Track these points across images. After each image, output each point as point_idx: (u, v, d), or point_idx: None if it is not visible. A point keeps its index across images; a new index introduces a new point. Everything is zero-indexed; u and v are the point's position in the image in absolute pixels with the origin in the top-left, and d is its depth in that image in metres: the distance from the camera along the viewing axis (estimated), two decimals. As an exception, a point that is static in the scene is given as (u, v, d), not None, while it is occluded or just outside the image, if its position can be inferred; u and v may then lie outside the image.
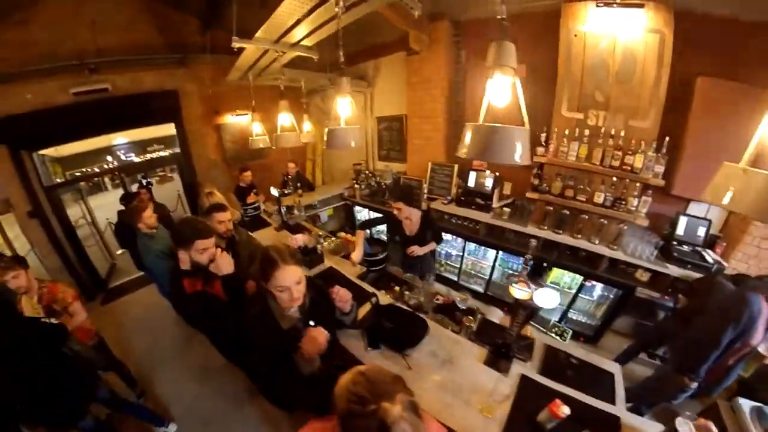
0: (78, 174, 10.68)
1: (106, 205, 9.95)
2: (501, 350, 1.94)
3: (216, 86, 5.51)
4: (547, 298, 1.90)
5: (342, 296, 1.77)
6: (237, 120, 6.08)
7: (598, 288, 3.40)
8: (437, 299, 2.75)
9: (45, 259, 4.99)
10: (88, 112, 4.62)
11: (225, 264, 2.02)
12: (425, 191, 4.67)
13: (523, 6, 3.36)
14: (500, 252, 3.95)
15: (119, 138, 13.83)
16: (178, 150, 5.98)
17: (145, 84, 4.98)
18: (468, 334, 2.37)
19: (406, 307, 2.47)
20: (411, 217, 2.99)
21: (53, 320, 2.03)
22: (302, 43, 2.86)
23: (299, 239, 3.25)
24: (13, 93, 4.17)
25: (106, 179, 15.97)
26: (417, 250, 3.02)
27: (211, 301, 2.02)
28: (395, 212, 2.98)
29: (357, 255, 2.99)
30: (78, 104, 4.54)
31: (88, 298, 5.37)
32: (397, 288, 2.84)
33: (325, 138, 2.23)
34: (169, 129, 5.77)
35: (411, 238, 3.09)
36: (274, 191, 4.26)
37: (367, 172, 5.37)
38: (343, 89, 2.12)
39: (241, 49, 3.02)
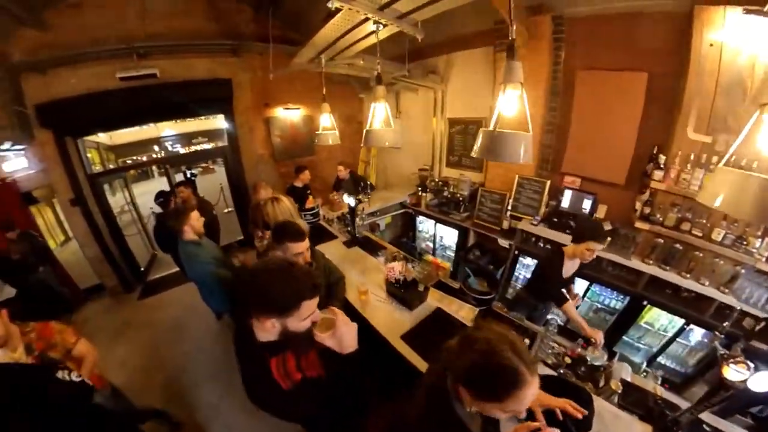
0: (122, 164, 10.88)
1: (151, 193, 10.13)
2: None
3: (269, 77, 5.11)
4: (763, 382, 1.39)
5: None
6: (287, 114, 5.68)
7: (698, 333, 2.99)
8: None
9: (85, 248, 4.86)
10: (135, 98, 4.36)
11: (350, 338, 1.21)
12: (509, 208, 4.05)
13: (642, 4, 2.82)
14: (593, 284, 3.44)
15: (167, 130, 14.27)
16: (223, 143, 5.68)
17: (195, 71, 4.66)
18: (614, 400, 1.80)
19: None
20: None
21: (71, 376, 1.43)
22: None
23: (396, 269, 2.60)
24: (60, 78, 3.98)
25: (153, 167, 16.33)
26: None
27: (318, 388, 1.22)
28: (586, 254, 2.28)
29: (587, 329, 2.30)
30: (125, 90, 4.27)
31: (125, 290, 5.21)
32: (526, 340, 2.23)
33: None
34: (214, 123, 5.46)
35: (565, 280, 2.54)
36: (348, 199, 3.62)
37: (437, 180, 4.75)
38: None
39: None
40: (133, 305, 4.94)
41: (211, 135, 13.82)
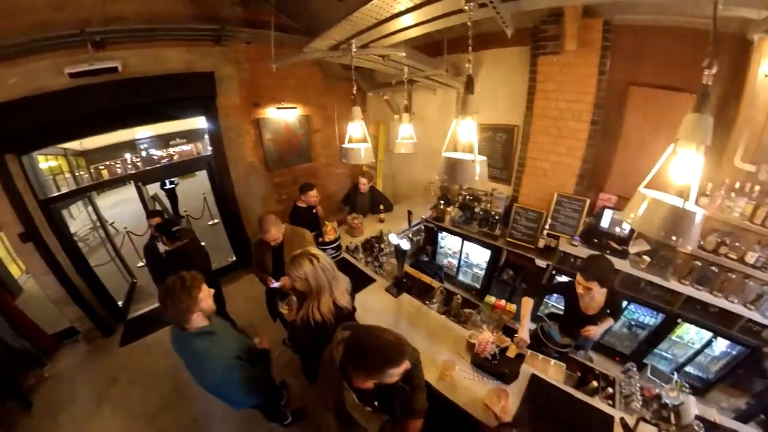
0: (95, 170, 9.82)
1: (126, 202, 9.11)
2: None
3: (258, 71, 4.39)
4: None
5: None
6: (280, 114, 4.88)
7: (722, 344, 3.16)
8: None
9: (47, 289, 3.92)
10: (90, 100, 3.41)
11: None
12: (546, 226, 3.66)
13: (698, 21, 2.59)
14: (630, 303, 3.42)
15: (142, 131, 13.17)
16: (206, 152, 4.88)
17: (168, 63, 3.75)
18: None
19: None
20: (596, 296, 2.21)
21: None
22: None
23: (488, 343, 2.08)
24: None
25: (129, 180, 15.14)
26: (594, 331, 2.30)
27: None
28: (579, 289, 2.16)
29: (524, 333, 2.22)
30: (77, 89, 3.30)
31: (104, 333, 4.28)
32: (594, 382, 2.07)
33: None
34: (194, 122, 4.62)
35: (587, 316, 2.35)
36: (399, 240, 2.72)
37: (464, 193, 4.13)
38: (356, 117, 2.41)
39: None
40: (115, 354, 4.02)
41: (191, 136, 12.77)
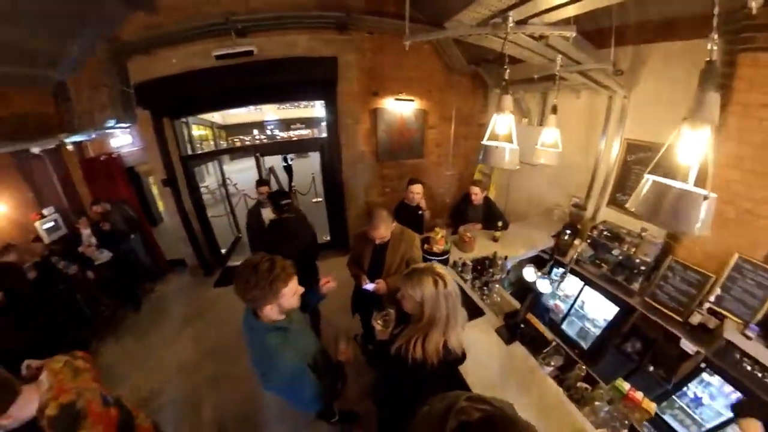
0: (231, 142, 11.62)
1: (249, 170, 10.56)
2: None
3: (379, 60, 4.43)
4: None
5: None
6: (397, 106, 4.76)
7: None
8: None
9: (173, 226, 4.88)
10: (230, 78, 3.95)
11: None
12: (711, 297, 2.55)
13: None
14: None
15: (270, 114, 14.87)
16: (322, 134, 5.05)
17: (295, 49, 4.03)
18: None
19: None
20: None
21: None
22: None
23: None
24: (162, 58, 3.83)
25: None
26: None
27: None
28: None
29: None
30: (220, 69, 3.86)
31: (205, 272, 5.13)
32: None
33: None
34: (313, 111, 4.86)
35: None
36: (533, 275, 2.17)
37: (600, 227, 3.27)
38: (506, 108, 1.87)
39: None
40: (208, 292, 4.75)
41: (309, 123, 13.99)
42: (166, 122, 4.37)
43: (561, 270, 3.33)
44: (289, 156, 9.24)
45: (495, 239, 3.49)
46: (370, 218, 2.30)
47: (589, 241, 3.30)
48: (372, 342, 3.06)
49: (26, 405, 1.22)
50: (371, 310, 1.79)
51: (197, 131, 7.10)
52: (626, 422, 1.69)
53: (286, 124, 15.08)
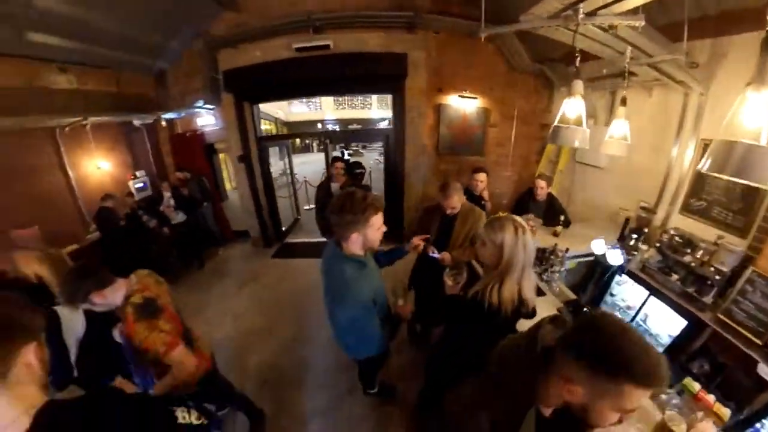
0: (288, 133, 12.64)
1: (309, 164, 11.44)
2: None
3: (444, 58, 4.66)
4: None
5: None
6: (460, 103, 4.87)
7: None
8: None
9: (242, 200, 5.47)
10: (307, 68, 4.44)
11: None
12: None
13: None
14: None
15: (329, 113, 15.72)
16: (387, 133, 5.25)
17: (367, 45, 4.42)
18: None
19: None
20: None
21: (191, 417, 1.03)
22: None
23: None
24: (247, 50, 4.53)
25: (314, 143, 18.13)
26: None
27: None
28: None
29: None
30: (299, 59, 4.40)
31: (265, 244, 5.66)
32: None
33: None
34: (369, 113, 5.22)
35: None
36: (602, 247, 2.23)
37: (671, 233, 3.01)
38: (576, 92, 1.91)
39: None
40: (266, 261, 5.22)
41: (365, 124, 14.55)
42: (246, 106, 4.93)
43: (624, 276, 3.17)
44: (347, 151, 9.76)
45: (556, 234, 3.38)
46: (444, 189, 2.42)
47: (657, 245, 3.08)
48: (422, 322, 3.14)
49: (117, 291, 1.47)
50: (427, 287, 1.86)
51: (263, 125, 7.82)
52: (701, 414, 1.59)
53: (344, 123, 15.76)
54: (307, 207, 7.40)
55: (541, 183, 3.56)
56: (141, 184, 5.25)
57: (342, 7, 4.31)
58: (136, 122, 5.40)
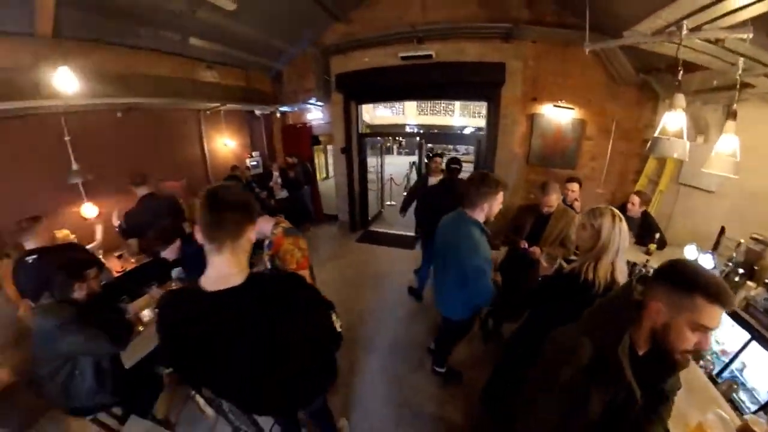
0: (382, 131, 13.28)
1: (392, 165, 12.14)
2: None
3: (539, 68, 4.75)
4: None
5: None
6: (555, 114, 4.83)
7: None
8: None
9: (338, 187, 6.26)
10: (411, 74, 4.89)
11: None
12: None
13: None
14: None
15: (410, 119, 16.08)
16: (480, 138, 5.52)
17: (466, 55, 4.70)
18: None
19: None
20: None
21: None
22: None
23: None
24: (355, 57, 5.23)
25: (394, 147, 18.87)
26: None
27: None
28: None
29: None
30: (404, 67, 4.88)
31: (351, 229, 6.34)
32: None
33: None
34: (451, 120, 5.67)
35: None
36: (694, 251, 2.30)
37: None
38: (678, 105, 1.98)
39: None
40: (350, 243, 5.86)
41: (446, 131, 14.71)
42: (353, 105, 5.61)
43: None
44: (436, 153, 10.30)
45: (648, 252, 3.20)
46: (544, 187, 2.66)
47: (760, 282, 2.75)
48: (498, 316, 3.26)
49: (264, 224, 1.79)
50: (510, 281, 2.10)
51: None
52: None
53: (424, 129, 16.04)
54: (389, 203, 7.97)
55: (635, 199, 3.44)
56: (254, 163, 6.26)
57: (443, 19, 4.70)
58: (258, 112, 6.46)
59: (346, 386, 2.73)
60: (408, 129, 15.96)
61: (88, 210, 3.54)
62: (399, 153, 19.16)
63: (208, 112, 5.68)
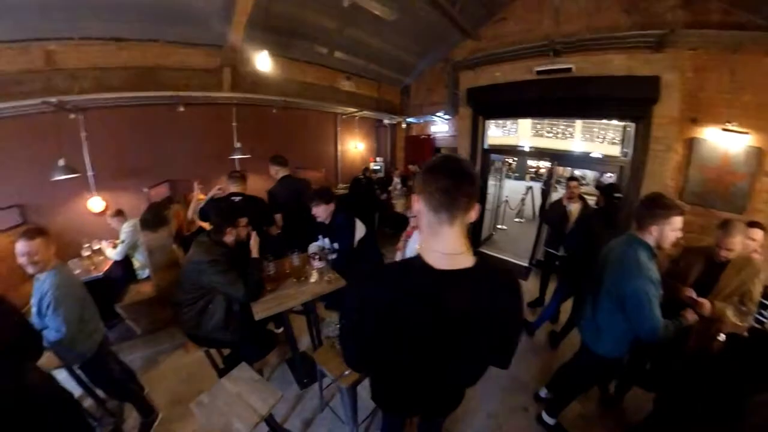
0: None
1: (512, 190, 11.80)
2: None
3: (701, 82, 3.82)
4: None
5: None
6: (721, 139, 3.83)
7: None
8: None
9: None
10: (548, 90, 4.56)
11: None
12: None
13: None
14: None
15: (523, 140, 15.24)
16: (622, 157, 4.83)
17: (610, 68, 4.16)
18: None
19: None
20: None
21: None
22: None
23: None
24: (485, 72, 5.21)
25: (503, 169, 18.44)
26: None
27: None
28: None
29: None
30: (539, 81, 4.59)
31: None
32: None
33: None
34: (570, 144, 5.87)
35: None
36: None
37: None
38: None
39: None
40: None
41: (559, 157, 13.67)
42: (480, 120, 5.62)
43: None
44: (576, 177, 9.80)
45: None
46: (725, 226, 2.10)
47: None
48: (625, 378, 2.76)
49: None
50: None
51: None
52: None
53: (536, 155, 15.20)
54: (500, 226, 7.49)
55: None
56: (378, 167, 6.81)
57: (581, 30, 4.38)
58: (386, 121, 7.04)
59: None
60: (520, 150, 15.38)
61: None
62: (507, 176, 18.52)
63: (344, 116, 6.45)
